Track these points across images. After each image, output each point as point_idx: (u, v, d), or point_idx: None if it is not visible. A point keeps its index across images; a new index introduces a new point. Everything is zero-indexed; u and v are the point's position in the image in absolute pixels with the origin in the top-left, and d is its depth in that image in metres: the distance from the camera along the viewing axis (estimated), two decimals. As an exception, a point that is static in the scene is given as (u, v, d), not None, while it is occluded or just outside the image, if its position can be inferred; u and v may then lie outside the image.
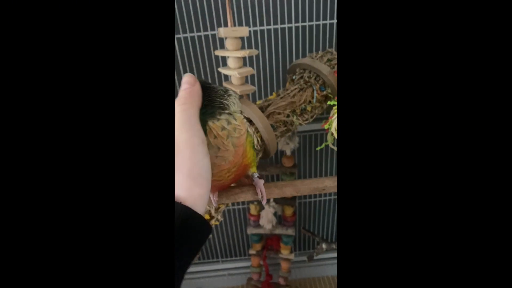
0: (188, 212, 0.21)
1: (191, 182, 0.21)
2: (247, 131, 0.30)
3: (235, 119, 0.28)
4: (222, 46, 0.67)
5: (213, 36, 0.67)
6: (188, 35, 0.67)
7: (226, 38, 0.46)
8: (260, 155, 0.55)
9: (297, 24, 0.67)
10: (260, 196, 0.35)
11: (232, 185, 0.37)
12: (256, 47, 0.68)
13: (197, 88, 0.25)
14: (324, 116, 0.77)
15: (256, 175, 0.36)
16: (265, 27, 0.67)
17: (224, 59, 0.67)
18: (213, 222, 0.49)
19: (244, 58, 0.68)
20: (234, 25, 0.50)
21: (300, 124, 0.58)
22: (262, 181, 0.35)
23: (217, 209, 0.49)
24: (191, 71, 0.70)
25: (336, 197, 0.95)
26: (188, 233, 0.21)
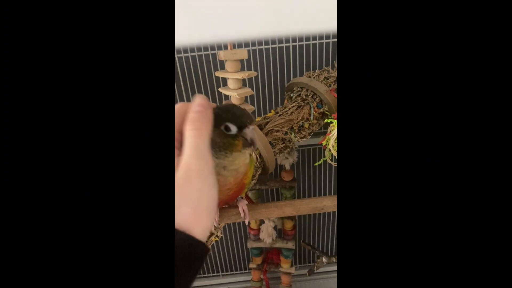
0: (194, 243, 0.21)
1: (199, 214, 0.22)
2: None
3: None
4: (223, 66, 0.70)
5: (214, 55, 0.69)
6: (189, 54, 0.69)
7: (226, 60, 0.48)
8: (259, 171, 0.56)
9: (294, 44, 0.69)
10: (242, 215, 0.36)
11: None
12: (256, 66, 0.70)
13: (210, 112, 0.24)
14: (322, 131, 0.78)
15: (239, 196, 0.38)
16: (263, 47, 0.69)
17: (224, 78, 0.69)
18: (213, 238, 0.50)
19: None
20: (234, 48, 0.52)
21: (298, 141, 0.59)
22: (244, 202, 0.37)
23: (216, 227, 0.50)
24: (192, 90, 0.72)
25: (335, 210, 0.95)
26: (193, 262, 0.21)
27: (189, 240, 0.21)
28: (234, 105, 0.30)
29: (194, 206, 0.21)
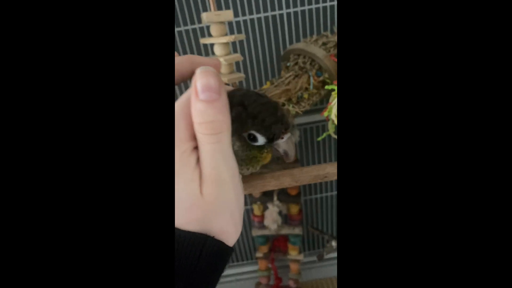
0: (227, 251, 0.21)
1: (232, 224, 0.21)
2: None
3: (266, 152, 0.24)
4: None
5: (201, 29, 0.64)
6: (175, 29, 0.64)
7: (210, 24, 0.43)
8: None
9: (288, 10, 0.63)
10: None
11: None
12: (248, 37, 0.65)
13: (225, 99, 0.18)
14: (323, 106, 0.73)
15: None
16: (255, 16, 0.63)
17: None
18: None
19: (235, 48, 0.65)
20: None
21: (297, 113, 0.54)
22: None
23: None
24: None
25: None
26: (223, 266, 0.21)
27: (224, 250, 0.21)
28: (264, 106, 0.21)
29: (228, 218, 0.20)
